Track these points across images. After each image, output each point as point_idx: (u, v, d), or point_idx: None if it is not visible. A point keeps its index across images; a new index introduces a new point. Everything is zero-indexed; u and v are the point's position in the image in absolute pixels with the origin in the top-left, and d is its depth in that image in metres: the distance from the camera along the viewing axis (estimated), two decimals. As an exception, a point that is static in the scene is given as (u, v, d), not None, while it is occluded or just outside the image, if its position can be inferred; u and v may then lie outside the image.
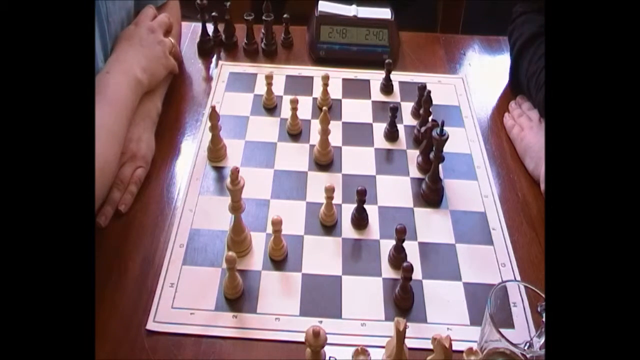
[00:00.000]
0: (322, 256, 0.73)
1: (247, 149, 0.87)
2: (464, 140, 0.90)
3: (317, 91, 0.96)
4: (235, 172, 0.67)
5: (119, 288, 0.68)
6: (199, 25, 1.05)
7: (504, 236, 0.76)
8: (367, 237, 0.76)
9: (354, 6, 1.05)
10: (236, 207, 0.70)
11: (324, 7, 1.05)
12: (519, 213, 0.80)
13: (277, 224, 0.70)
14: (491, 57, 1.10)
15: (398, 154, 0.88)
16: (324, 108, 0.82)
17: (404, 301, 0.68)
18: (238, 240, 0.72)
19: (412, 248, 0.73)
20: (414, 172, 0.85)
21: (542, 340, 0.60)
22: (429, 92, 0.86)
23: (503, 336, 0.55)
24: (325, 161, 0.85)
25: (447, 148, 0.78)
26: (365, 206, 0.76)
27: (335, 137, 0.88)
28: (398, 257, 0.71)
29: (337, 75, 1.00)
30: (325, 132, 0.83)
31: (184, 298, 0.68)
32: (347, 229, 0.76)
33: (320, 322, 0.65)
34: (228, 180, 0.68)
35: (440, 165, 0.79)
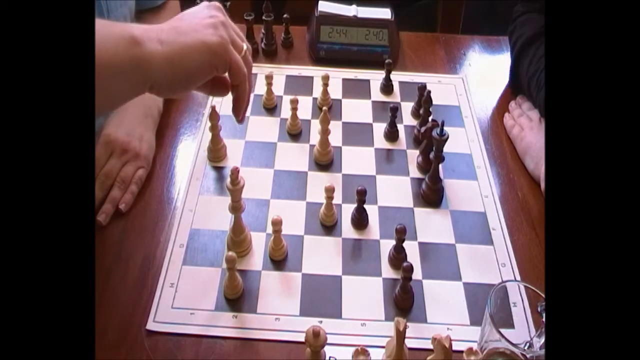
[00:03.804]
0: (322, 256, 0.73)
1: (247, 149, 0.87)
2: (464, 140, 0.90)
3: (317, 91, 0.96)
4: (235, 172, 0.67)
5: (119, 288, 0.68)
6: (199, 25, 1.05)
7: (504, 236, 0.76)
8: (367, 237, 0.76)
9: (354, 6, 1.05)
10: (236, 207, 0.70)
11: (324, 7, 1.05)
12: (519, 213, 0.80)
13: (277, 224, 0.70)
14: (491, 57, 1.10)
15: (398, 154, 0.88)
16: (324, 108, 0.82)
17: (404, 301, 0.68)
18: (238, 241, 0.72)
19: (412, 248, 0.73)
20: (414, 172, 0.85)
21: (542, 340, 0.60)
22: (429, 92, 0.86)
23: (503, 336, 0.55)
24: (325, 161, 0.85)
25: (447, 148, 0.78)
26: (365, 206, 0.76)
27: (335, 137, 0.88)
28: (398, 257, 0.71)
29: (337, 75, 1.00)
30: (325, 132, 0.83)
31: (184, 298, 0.68)
32: (347, 229, 0.76)
33: (320, 322, 0.65)
34: (228, 180, 0.68)
35: (440, 165, 0.79)
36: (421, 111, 0.88)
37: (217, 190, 0.81)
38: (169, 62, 0.51)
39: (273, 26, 1.04)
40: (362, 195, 0.74)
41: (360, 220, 0.76)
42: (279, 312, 0.67)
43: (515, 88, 0.97)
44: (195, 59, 0.53)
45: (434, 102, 0.87)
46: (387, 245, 0.73)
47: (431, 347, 0.58)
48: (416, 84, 0.93)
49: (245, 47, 0.58)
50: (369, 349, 0.61)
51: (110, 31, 0.49)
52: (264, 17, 1.02)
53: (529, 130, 0.87)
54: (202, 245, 0.74)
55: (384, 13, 1.05)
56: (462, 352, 0.61)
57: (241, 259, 0.71)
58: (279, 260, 0.72)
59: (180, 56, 0.52)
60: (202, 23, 0.55)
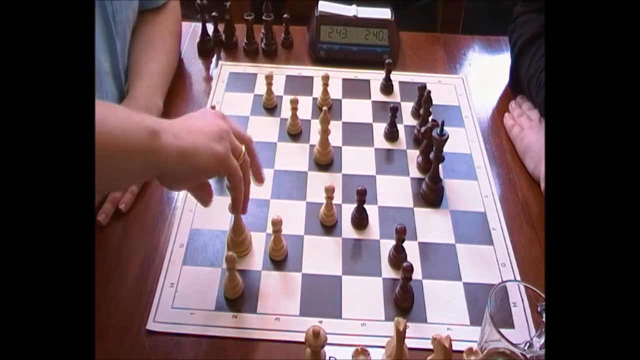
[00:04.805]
0: (322, 256, 0.73)
1: (247, 149, 0.87)
2: (464, 140, 0.90)
3: (317, 91, 0.96)
4: None
5: (119, 288, 0.68)
6: (199, 25, 1.05)
7: (504, 236, 0.76)
8: (367, 237, 0.76)
9: (354, 6, 1.05)
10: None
11: (324, 7, 1.05)
12: (519, 213, 0.80)
13: (277, 224, 0.70)
14: (491, 57, 1.10)
15: (398, 154, 0.88)
16: (324, 108, 0.82)
17: (404, 301, 0.68)
18: (238, 241, 0.72)
19: (412, 248, 0.73)
20: (414, 172, 0.85)
21: (542, 340, 0.60)
22: (429, 92, 0.86)
23: (503, 336, 0.55)
24: (325, 161, 0.85)
25: (447, 148, 0.78)
26: (365, 206, 0.76)
27: (335, 137, 0.88)
28: (398, 257, 0.71)
29: (337, 75, 1.00)
30: (325, 132, 0.83)
31: (184, 298, 0.68)
32: (347, 229, 0.76)
33: (320, 322, 0.65)
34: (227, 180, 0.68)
35: (440, 165, 0.79)
36: (421, 111, 0.88)
37: (217, 190, 0.81)
38: (180, 157, 0.57)
39: (273, 26, 1.04)
40: (362, 195, 0.74)
41: (360, 220, 0.76)
42: (279, 312, 0.67)
43: (515, 88, 0.97)
44: (201, 161, 0.59)
45: (434, 102, 0.87)
46: (387, 245, 0.73)
47: (431, 347, 0.58)
48: (416, 84, 0.93)
49: (243, 151, 0.65)
50: (369, 349, 0.61)
51: (133, 121, 0.55)
52: (264, 17, 1.02)
53: (529, 130, 0.87)
54: (202, 245, 0.74)
55: (384, 13, 1.05)
56: (462, 352, 0.61)
57: (241, 259, 0.71)
58: (279, 260, 0.72)
59: (191, 154, 0.58)
60: (211, 129, 0.61)
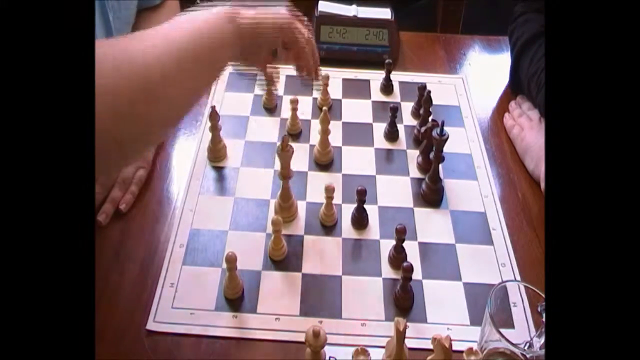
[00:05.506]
0: (322, 256, 0.73)
1: (247, 149, 0.87)
2: (464, 140, 0.90)
3: (317, 91, 0.96)
4: (286, 139, 0.71)
5: (119, 288, 0.68)
6: (199, 25, 1.05)
7: (504, 236, 0.76)
8: (367, 237, 0.76)
9: (354, 6, 1.05)
10: (285, 174, 0.73)
11: (324, 7, 1.05)
12: (519, 213, 0.80)
13: (277, 224, 0.70)
14: (491, 57, 1.10)
15: (398, 154, 0.88)
16: (324, 108, 0.83)
17: (404, 301, 0.68)
18: (286, 206, 0.75)
19: (412, 248, 0.73)
20: (414, 172, 0.85)
21: (542, 340, 0.60)
22: (429, 92, 0.86)
23: (503, 336, 0.55)
24: (325, 161, 0.85)
25: (447, 148, 0.78)
26: (365, 206, 0.76)
27: (335, 137, 0.88)
28: (398, 257, 0.71)
29: (337, 75, 1.00)
30: (325, 132, 0.83)
31: (184, 298, 0.68)
32: (347, 229, 0.76)
33: (320, 322, 0.65)
34: (278, 145, 0.72)
35: (440, 165, 0.79)
36: (421, 111, 0.88)
37: (217, 190, 0.81)
38: (253, 28, 0.62)
39: (273, 26, 1.04)
40: (362, 195, 0.74)
41: (360, 220, 0.76)
42: (279, 312, 0.67)
43: (515, 88, 0.97)
44: (271, 22, 0.65)
45: (434, 102, 0.87)
46: (387, 245, 0.73)
47: (431, 347, 0.58)
48: (416, 84, 0.93)
49: (308, 36, 0.71)
50: (369, 349, 0.61)
51: (214, 18, 0.61)
52: (264, 17, 1.02)
53: (529, 130, 0.87)
54: (202, 245, 0.74)
55: (384, 13, 1.05)
56: (462, 352, 0.61)
57: (286, 225, 0.75)
58: (279, 260, 0.72)
59: (262, 20, 0.63)
60: (282, 9, 0.67)
